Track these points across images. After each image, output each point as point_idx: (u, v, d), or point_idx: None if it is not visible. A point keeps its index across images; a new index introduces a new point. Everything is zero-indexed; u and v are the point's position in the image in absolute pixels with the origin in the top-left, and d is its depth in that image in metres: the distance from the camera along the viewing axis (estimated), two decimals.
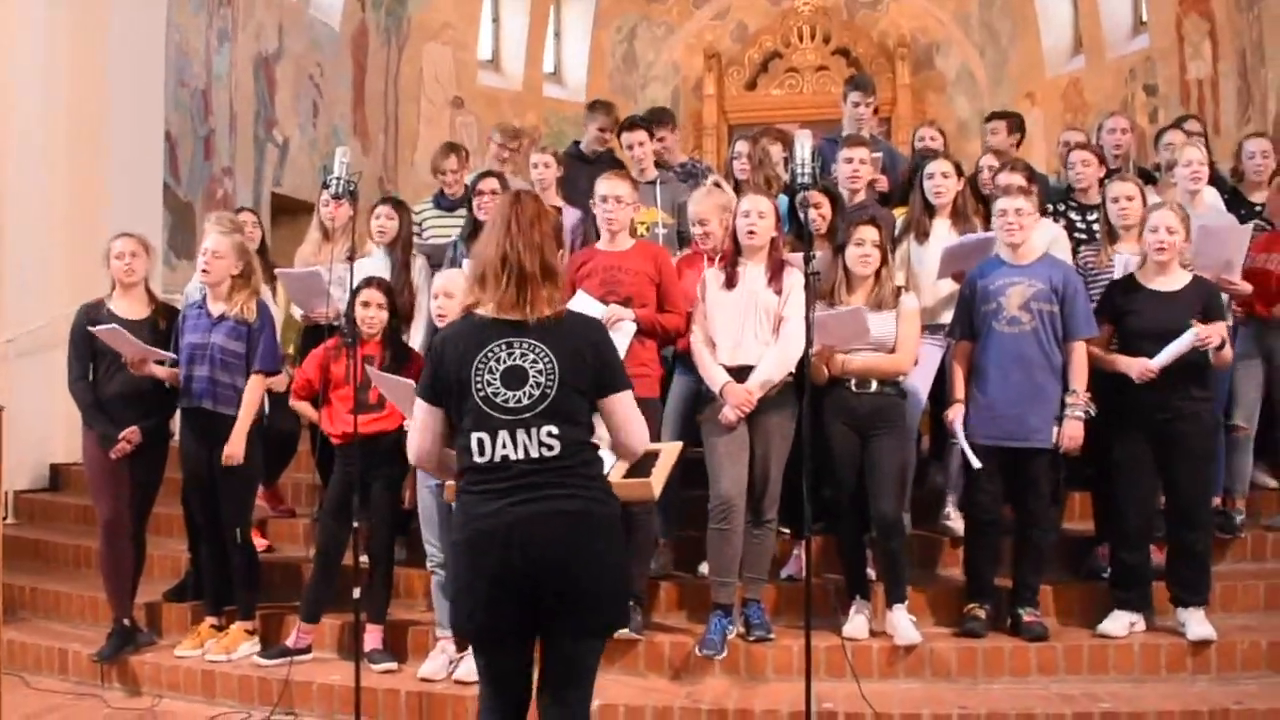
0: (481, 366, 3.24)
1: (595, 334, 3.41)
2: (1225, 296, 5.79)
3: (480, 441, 3.24)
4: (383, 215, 6.27)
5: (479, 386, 3.24)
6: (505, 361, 3.25)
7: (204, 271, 5.57)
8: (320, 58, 11.40)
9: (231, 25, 9.86)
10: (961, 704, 4.83)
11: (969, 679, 5.11)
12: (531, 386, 3.23)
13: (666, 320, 5.32)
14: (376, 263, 6.15)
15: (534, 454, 3.23)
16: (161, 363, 5.58)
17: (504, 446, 3.23)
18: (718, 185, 5.87)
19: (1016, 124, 7.83)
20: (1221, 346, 5.22)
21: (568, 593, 3.21)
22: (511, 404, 3.23)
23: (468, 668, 5.06)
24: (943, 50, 14.27)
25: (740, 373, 5.16)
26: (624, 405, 3.39)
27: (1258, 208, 6.41)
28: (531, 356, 3.25)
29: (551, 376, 3.24)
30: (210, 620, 5.69)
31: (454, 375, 3.27)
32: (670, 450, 3.75)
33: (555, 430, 3.23)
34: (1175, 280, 5.31)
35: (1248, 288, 5.84)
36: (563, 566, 3.19)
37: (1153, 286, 5.31)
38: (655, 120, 7.24)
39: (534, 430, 3.22)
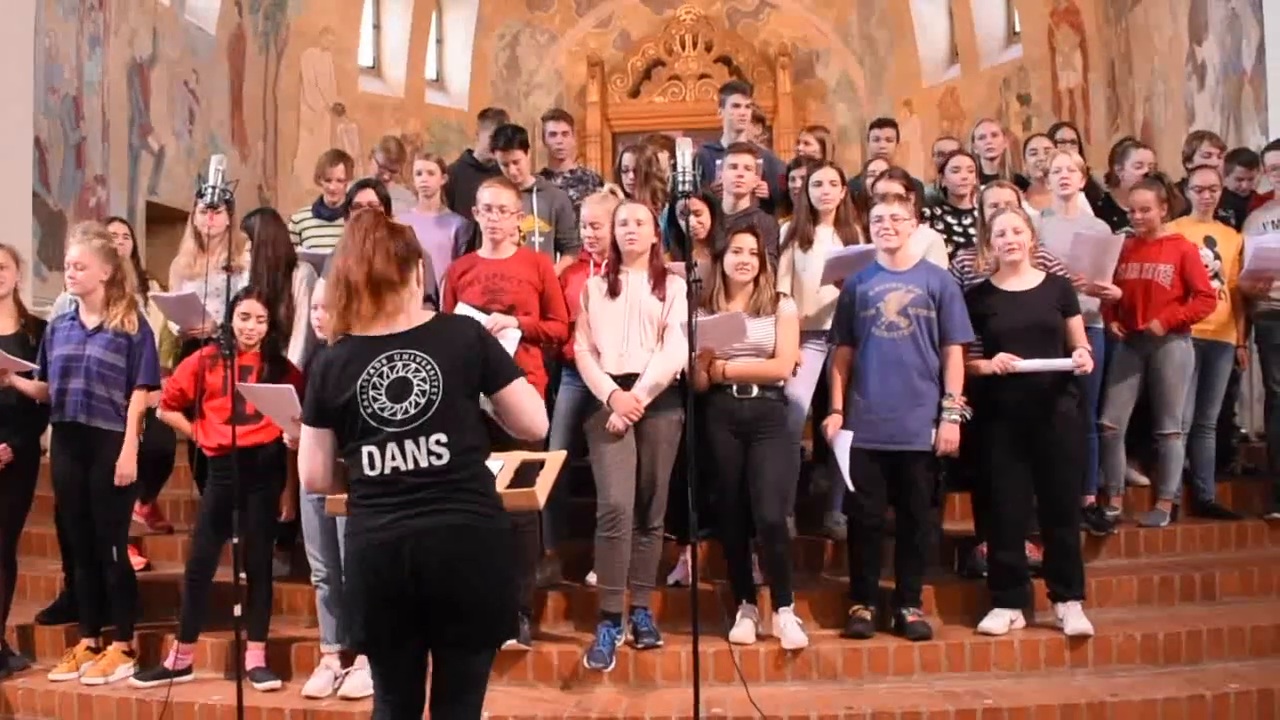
0: (366, 384, 3.23)
1: (474, 331, 3.43)
2: (1096, 303, 5.98)
3: (370, 455, 3.23)
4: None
5: (365, 404, 3.23)
6: (389, 376, 3.24)
7: (72, 281, 5.42)
8: (196, 63, 11.18)
9: (103, 30, 9.61)
10: (848, 704, 4.88)
11: (855, 680, 5.17)
12: (417, 395, 3.22)
13: (550, 328, 5.32)
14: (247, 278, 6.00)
15: (423, 464, 3.22)
16: (29, 376, 5.42)
17: (394, 459, 3.22)
18: (613, 193, 5.90)
19: (896, 131, 8.09)
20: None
21: (456, 606, 3.20)
22: (399, 416, 3.22)
23: (353, 683, 5.00)
24: (823, 59, 14.49)
25: (626, 381, 5.17)
26: (519, 393, 3.41)
27: (1129, 214, 6.56)
28: (414, 366, 3.24)
29: (436, 383, 3.23)
30: (86, 642, 5.51)
31: (338, 398, 3.26)
32: (554, 459, 3.75)
33: (443, 438, 3.23)
34: (1028, 280, 5.46)
35: (1117, 292, 6.04)
36: (451, 580, 3.18)
37: (1007, 288, 5.46)
38: (558, 117, 7.33)
39: (422, 440, 3.22)
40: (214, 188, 4.95)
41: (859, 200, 6.30)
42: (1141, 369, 6.28)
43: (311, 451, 3.37)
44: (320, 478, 3.39)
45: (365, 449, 3.23)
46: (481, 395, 3.39)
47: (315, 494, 3.69)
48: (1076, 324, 5.43)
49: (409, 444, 3.22)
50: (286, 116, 12.89)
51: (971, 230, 6.35)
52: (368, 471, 3.24)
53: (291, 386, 4.77)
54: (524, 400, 3.43)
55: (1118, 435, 6.28)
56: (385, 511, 3.20)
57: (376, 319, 3.28)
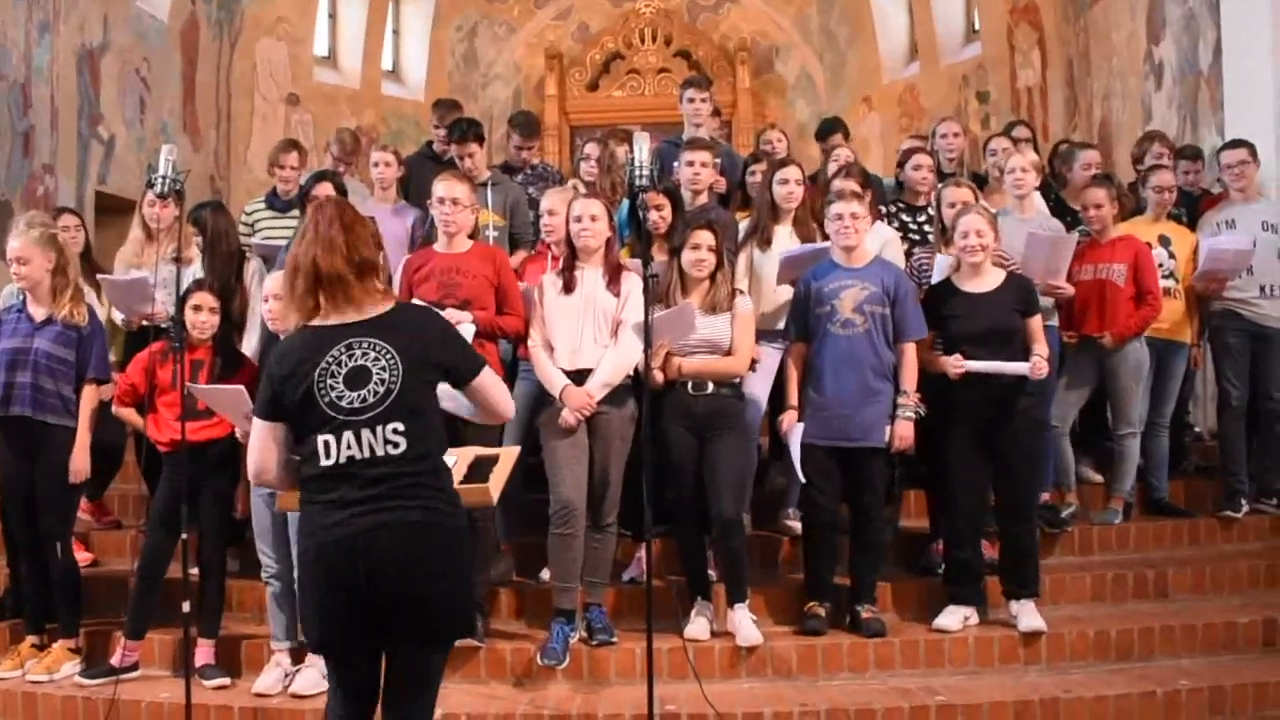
0: (324, 373, 3.22)
1: (435, 325, 3.46)
2: (1050, 301, 6.05)
3: (326, 444, 3.21)
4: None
5: (323, 392, 3.21)
6: (347, 364, 3.23)
7: (17, 276, 5.36)
8: (148, 52, 11.05)
9: (53, 17, 9.48)
10: (803, 702, 4.91)
11: (809, 677, 5.21)
12: (375, 384, 3.22)
13: (506, 322, 5.32)
14: (199, 271, 5.97)
15: (379, 452, 3.21)
16: None
17: (349, 447, 3.20)
18: (575, 188, 5.92)
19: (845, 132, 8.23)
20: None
21: (412, 604, 3.19)
22: (356, 404, 3.21)
23: (304, 681, 4.98)
24: (783, 54, 14.52)
25: (579, 377, 5.18)
26: (485, 384, 3.46)
27: (1080, 214, 6.64)
28: (373, 354, 3.24)
29: (395, 372, 3.23)
30: (31, 639, 5.46)
31: (295, 390, 3.24)
32: (508, 454, 3.75)
33: (400, 427, 3.22)
34: (990, 280, 5.50)
35: (1070, 290, 6.11)
36: (407, 578, 3.17)
37: (968, 289, 5.50)
38: (528, 134, 7.35)
39: (378, 428, 3.21)
40: (164, 177, 4.91)
41: (817, 189, 6.33)
42: (1095, 369, 6.35)
43: (263, 444, 3.35)
44: (270, 471, 3.37)
45: (321, 438, 3.21)
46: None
47: (263, 487, 3.67)
48: (1036, 324, 5.48)
49: (365, 433, 3.20)
50: (240, 106, 12.77)
51: (927, 228, 6.41)
52: (323, 461, 3.22)
53: (242, 387, 4.75)
54: (492, 388, 3.48)
55: (1063, 432, 6.34)
56: (340, 507, 3.18)
57: (336, 308, 3.28)
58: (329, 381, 3.22)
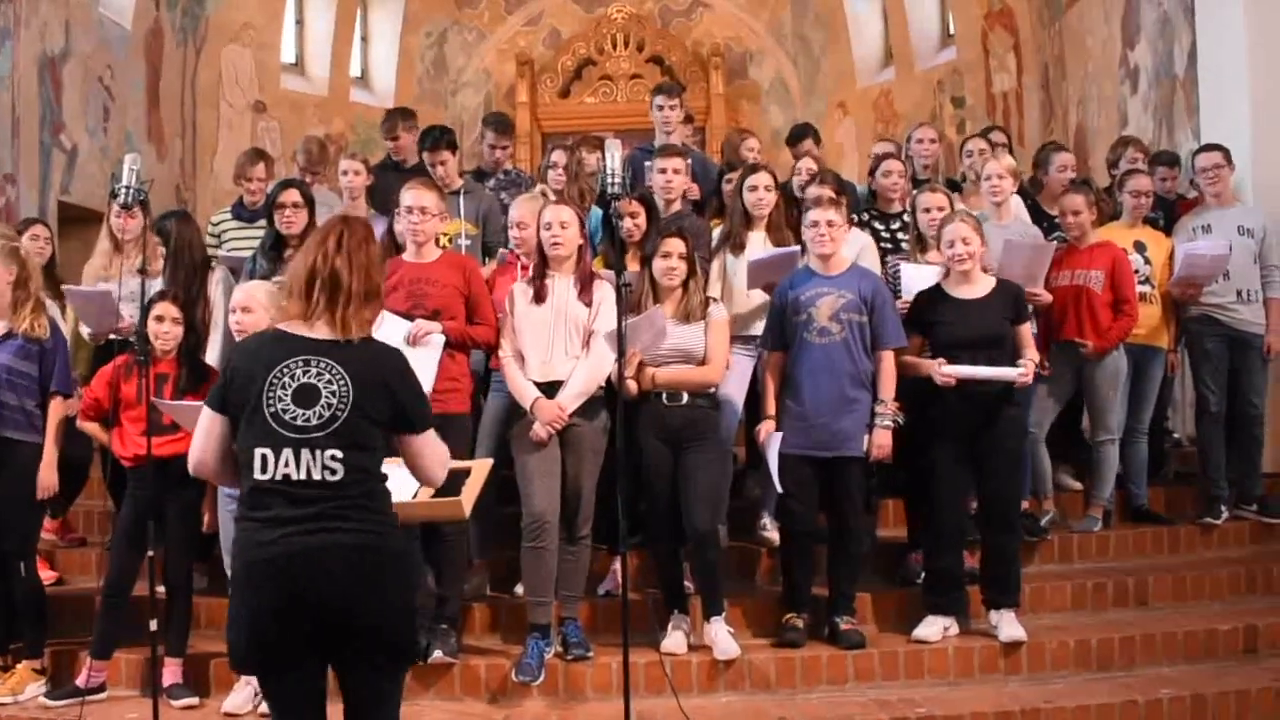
0: (275, 381, 3.20)
1: (397, 367, 3.37)
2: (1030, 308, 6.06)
3: (264, 457, 3.19)
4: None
5: (270, 401, 3.19)
6: (299, 379, 3.21)
7: None
8: (111, 59, 10.98)
9: (13, 23, 9.40)
10: (781, 715, 4.92)
11: (788, 689, 5.21)
12: (322, 407, 3.19)
13: (477, 333, 5.30)
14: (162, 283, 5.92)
15: (316, 476, 3.18)
16: None
17: (286, 465, 3.18)
18: (543, 194, 5.90)
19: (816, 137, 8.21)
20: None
21: (349, 628, 3.18)
22: (299, 422, 3.18)
23: None
24: (756, 60, 14.52)
25: (551, 388, 5.17)
26: (425, 445, 3.40)
27: (1057, 219, 6.67)
28: (327, 376, 3.21)
29: (344, 399, 3.20)
30: None
31: (247, 388, 3.23)
32: (480, 468, 3.75)
33: (339, 454, 3.19)
34: (980, 287, 5.52)
35: (1048, 297, 6.13)
36: (343, 601, 3.15)
37: (958, 295, 5.51)
38: (501, 131, 7.28)
39: (318, 451, 3.18)
40: (128, 188, 4.88)
41: (790, 202, 6.34)
42: (1073, 376, 6.38)
43: (206, 433, 3.33)
44: (208, 464, 3.35)
45: (259, 450, 3.19)
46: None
47: (202, 478, 3.61)
48: (1025, 331, 5.51)
49: (305, 453, 3.18)
50: (205, 114, 12.71)
51: (900, 235, 6.43)
52: (257, 474, 3.19)
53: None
54: (429, 451, 3.42)
55: (1040, 439, 6.36)
56: (274, 526, 3.16)
57: (321, 320, 3.26)
58: (278, 392, 3.20)
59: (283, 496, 3.18)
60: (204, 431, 3.34)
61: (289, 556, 3.13)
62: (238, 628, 3.25)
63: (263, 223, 6.64)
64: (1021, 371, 5.34)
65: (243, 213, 7.14)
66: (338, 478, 3.19)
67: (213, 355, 5.72)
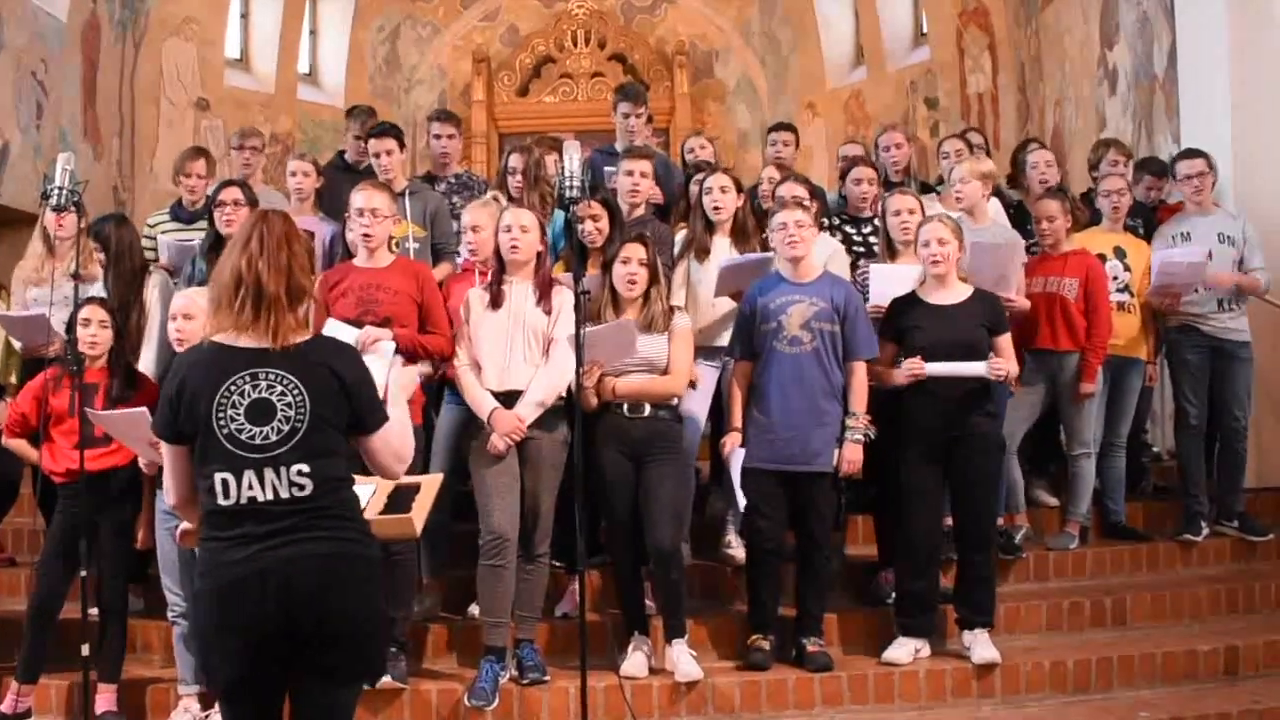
0: (224, 401, 3.15)
1: (347, 362, 3.33)
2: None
3: (225, 482, 3.14)
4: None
5: (222, 423, 3.14)
6: (250, 395, 3.16)
7: None
8: (45, 53, 10.88)
9: None
10: None
11: (753, 714, 5.20)
12: (280, 421, 3.15)
13: (429, 342, 5.26)
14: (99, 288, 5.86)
15: (284, 494, 3.15)
16: None
17: (250, 488, 3.14)
18: (495, 199, 5.87)
19: (796, 137, 8.14)
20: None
21: (324, 638, 3.15)
22: (258, 441, 3.14)
23: None
24: (723, 58, 14.54)
25: (509, 398, 5.15)
26: (385, 440, 3.37)
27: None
28: (279, 389, 3.17)
29: (302, 410, 3.17)
30: None
31: (194, 411, 3.17)
32: (430, 483, 3.72)
33: (306, 468, 3.16)
34: (956, 293, 5.53)
35: (1026, 304, 6.15)
36: (318, 611, 3.13)
37: (934, 301, 5.52)
38: (444, 119, 7.21)
39: (283, 469, 3.15)
40: (61, 188, 4.84)
41: (759, 212, 6.32)
42: (1046, 386, 6.41)
43: (173, 469, 3.30)
44: (188, 499, 3.32)
45: (219, 475, 3.14)
46: None
47: (177, 514, 3.58)
48: (1005, 343, 5.51)
49: (269, 472, 3.14)
50: (145, 112, 12.60)
51: (872, 240, 6.44)
52: (220, 501, 3.15)
53: (145, 409, 4.66)
54: (390, 444, 3.40)
55: (1012, 452, 6.36)
56: (244, 544, 3.12)
57: (254, 329, 3.20)
58: (229, 412, 3.15)
59: (251, 517, 3.14)
60: (171, 470, 3.31)
61: (263, 572, 3.10)
62: (210, 650, 3.23)
63: (202, 224, 6.59)
64: (990, 363, 5.34)
65: (181, 213, 7.06)
66: (307, 492, 3.17)
67: (146, 364, 5.64)
